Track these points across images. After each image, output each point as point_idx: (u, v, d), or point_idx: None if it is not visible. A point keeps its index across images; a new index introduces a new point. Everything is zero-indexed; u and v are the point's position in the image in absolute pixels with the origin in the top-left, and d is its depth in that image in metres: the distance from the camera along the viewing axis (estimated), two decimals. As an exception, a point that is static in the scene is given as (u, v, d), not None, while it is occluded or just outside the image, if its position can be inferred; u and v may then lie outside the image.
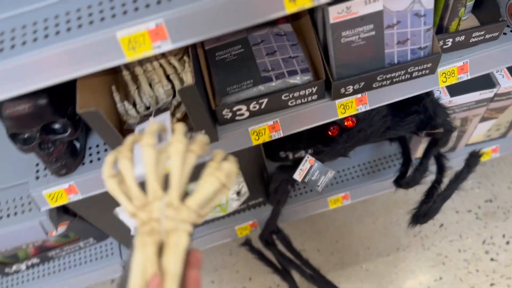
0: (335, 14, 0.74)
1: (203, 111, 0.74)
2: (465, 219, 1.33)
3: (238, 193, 1.12)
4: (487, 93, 0.97)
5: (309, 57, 0.88)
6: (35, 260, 1.19)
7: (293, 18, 0.93)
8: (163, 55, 0.84)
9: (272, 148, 1.09)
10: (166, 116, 0.74)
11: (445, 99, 0.97)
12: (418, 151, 1.15)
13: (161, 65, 0.84)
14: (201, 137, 0.50)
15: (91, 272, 1.19)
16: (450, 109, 1.00)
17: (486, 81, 0.98)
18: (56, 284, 1.19)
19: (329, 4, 0.73)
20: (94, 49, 0.58)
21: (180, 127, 0.50)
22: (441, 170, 1.06)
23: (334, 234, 1.36)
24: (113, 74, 0.88)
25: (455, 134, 1.11)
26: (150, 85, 0.84)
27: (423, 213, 1.01)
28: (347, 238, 1.35)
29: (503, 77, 0.97)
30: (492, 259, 1.26)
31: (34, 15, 0.61)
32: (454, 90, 0.98)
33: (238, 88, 0.82)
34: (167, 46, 0.59)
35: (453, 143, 1.16)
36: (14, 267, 1.19)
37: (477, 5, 0.88)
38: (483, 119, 1.09)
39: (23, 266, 1.20)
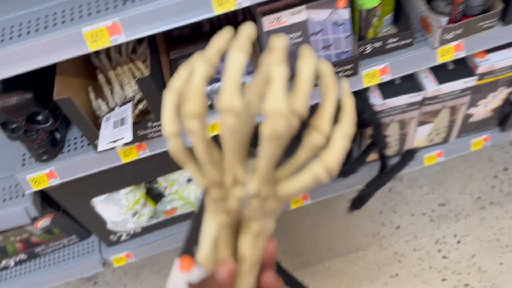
0: (268, 23, 0.91)
1: (159, 101, 0.90)
2: (420, 221, 1.44)
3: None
4: (416, 97, 1.12)
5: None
6: (22, 256, 1.32)
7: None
8: (132, 60, 1.01)
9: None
10: (128, 106, 0.90)
11: (379, 101, 1.12)
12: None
13: (130, 69, 1.00)
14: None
15: (73, 267, 1.30)
16: (385, 112, 1.15)
17: (414, 85, 1.13)
18: (42, 279, 1.30)
19: (263, 14, 0.90)
20: (65, 41, 0.74)
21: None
22: (382, 169, 1.19)
23: (300, 237, 1.47)
24: (91, 79, 1.05)
25: (396, 137, 1.25)
26: (122, 86, 1.00)
27: (359, 199, 1.13)
28: (311, 240, 1.46)
29: (429, 82, 1.12)
30: (444, 257, 1.36)
31: (18, 18, 0.79)
32: (388, 94, 1.13)
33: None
34: (122, 39, 0.76)
35: (397, 146, 1.29)
36: (4, 263, 1.31)
37: (398, 19, 1.05)
38: (421, 123, 1.23)
39: (11, 262, 1.32)
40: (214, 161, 0.37)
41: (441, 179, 1.50)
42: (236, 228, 0.39)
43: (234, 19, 1.10)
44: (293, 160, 0.38)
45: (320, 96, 0.37)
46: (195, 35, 1.10)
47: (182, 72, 0.37)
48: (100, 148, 0.86)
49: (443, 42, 0.97)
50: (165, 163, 1.09)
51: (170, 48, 1.08)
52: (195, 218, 0.45)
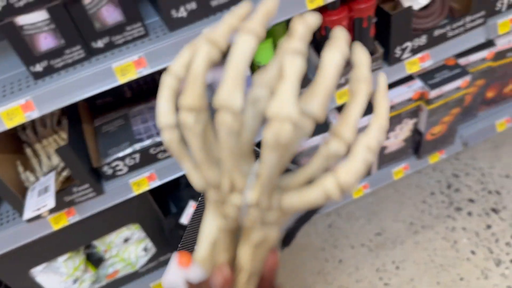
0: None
1: (81, 167, 0.96)
2: (360, 253, 1.50)
3: (145, 249, 1.29)
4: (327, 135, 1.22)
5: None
6: None
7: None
8: (56, 132, 1.08)
9: (165, 203, 1.29)
10: (51, 174, 0.95)
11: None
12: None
13: (55, 140, 1.07)
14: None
15: None
16: (305, 153, 1.24)
17: (325, 126, 1.24)
18: None
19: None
20: (-20, 122, 0.81)
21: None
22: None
23: (249, 283, 1.50)
24: (20, 153, 1.10)
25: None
26: (49, 157, 1.06)
27: (287, 236, 1.19)
28: (260, 285, 1.49)
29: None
30: (385, 284, 1.42)
31: None
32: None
33: (117, 150, 1.05)
34: (35, 115, 0.83)
35: (325, 183, 1.38)
36: None
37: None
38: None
39: None
40: (212, 160, 0.32)
41: (375, 210, 1.59)
42: (237, 232, 0.35)
43: (153, 82, 1.20)
44: (305, 168, 0.33)
45: (349, 93, 0.31)
46: (118, 102, 1.18)
47: (184, 53, 0.32)
48: (25, 217, 0.90)
49: (338, 86, 1.09)
50: (97, 226, 1.13)
51: (95, 116, 1.16)
52: (195, 213, 0.40)
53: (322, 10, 1.00)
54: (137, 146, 1.04)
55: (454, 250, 1.45)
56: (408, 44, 1.09)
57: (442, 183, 1.60)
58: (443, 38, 1.12)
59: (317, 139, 1.22)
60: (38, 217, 0.97)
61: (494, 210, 1.52)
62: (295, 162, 0.34)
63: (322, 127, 1.22)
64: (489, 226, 1.48)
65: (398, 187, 1.62)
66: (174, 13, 0.82)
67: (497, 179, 1.58)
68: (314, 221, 1.59)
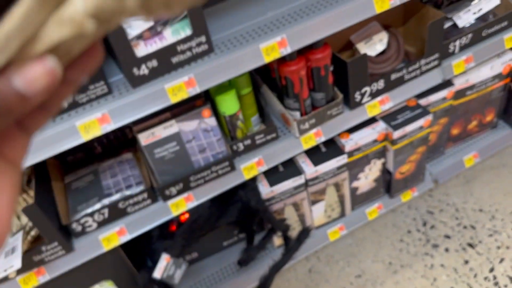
0: (145, 139, 1.03)
1: (48, 226, 0.96)
2: (341, 296, 1.49)
3: (121, 305, 1.26)
4: (298, 180, 1.25)
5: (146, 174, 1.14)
6: None
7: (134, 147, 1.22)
8: (26, 191, 1.08)
9: (138, 256, 1.28)
10: (18, 235, 0.95)
11: (267, 189, 1.23)
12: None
13: (24, 200, 1.07)
14: None
15: None
16: (277, 197, 1.26)
17: (295, 170, 1.26)
18: None
19: (139, 131, 1.02)
20: None
21: None
22: (286, 251, 1.27)
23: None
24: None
25: (296, 218, 1.35)
26: (18, 217, 1.06)
27: (262, 285, 1.19)
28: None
29: (307, 165, 1.26)
30: (368, 327, 1.40)
31: None
32: (274, 181, 1.25)
33: (86, 206, 1.05)
34: None
35: (300, 227, 1.39)
36: None
37: (266, 117, 1.20)
38: (313, 202, 1.34)
39: None
40: None
41: (354, 252, 1.59)
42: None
43: (123, 136, 1.22)
44: None
45: None
46: (89, 157, 1.20)
47: None
48: None
49: (302, 131, 1.12)
50: (68, 285, 1.11)
51: (66, 173, 1.17)
52: None
53: (281, 61, 1.05)
54: (106, 201, 1.05)
55: (434, 288, 1.45)
56: (367, 89, 1.14)
57: (417, 220, 1.62)
58: (400, 81, 1.18)
59: (288, 183, 1.24)
60: (5, 278, 0.96)
61: (471, 245, 1.53)
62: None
63: (293, 172, 1.24)
64: (466, 261, 1.49)
65: (375, 227, 1.63)
66: (136, 71, 0.86)
67: (471, 214, 1.60)
68: (294, 267, 1.58)
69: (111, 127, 0.87)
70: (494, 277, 1.44)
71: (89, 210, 1.04)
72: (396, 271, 1.51)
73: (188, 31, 0.87)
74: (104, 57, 0.98)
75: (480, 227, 1.56)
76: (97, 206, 1.04)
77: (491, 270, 1.46)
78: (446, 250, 1.53)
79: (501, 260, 1.47)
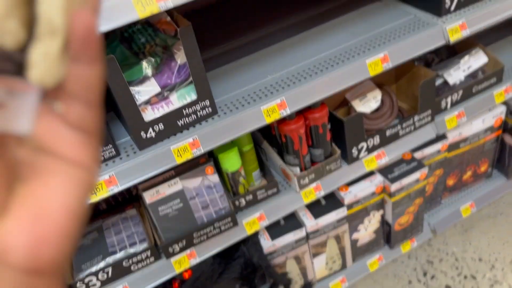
0: (149, 197, 1.05)
1: None
2: None
3: None
4: (299, 233, 1.26)
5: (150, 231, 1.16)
6: None
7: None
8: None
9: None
10: None
11: (269, 243, 1.25)
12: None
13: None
14: None
15: None
16: (278, 251, 1.27)
17: (296, 224, 1.28)
18: None
19: (144, 190, 1.05)
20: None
21: None
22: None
23: None
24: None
25: (297, 271, 1.35)
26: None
27: None
28: None
29: (308, 218, 1.28)
30: None
31: None
32: (275, 234, 1.26)
33: (90, 264, 1.06)
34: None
35: (302, 280, 1.39)
36: None
37: (267, 172, 1.24)
38: (314, 255, 1.35)
39: None
40: None
41: (356, 303, 1.58)
42: None
43: (128, 192, 1.25)
44: None
45: None
46: (94, 214, 1.22)
47: None
48: None
49: (302, 186, 1.16)
50: None
51: (71, 230, 1.18)
52: None
53: (281, 120, 1.09)
54: (110, 259, 1.06)
55: None
56: (363, 144, 1.18)
57: (418, 270, 1.62)
58: (395, 137, 1.22)
59: (289, 236, 1.26)
60: None
61: (473, 296, 1.53)
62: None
63: (294, 225, 1.26)
64: (469, 313, 1.48)
65: (376, 277, 1.63)
66: (143, 135, 0.90)
67: (470, 264, 1.61)
68: (296, 320, 1.57)
69: (118, 188, 0.90)
70: (498, 329, 1.43)
71: (93, 269, 1.05)
72: (399, 324, 1.50)
73: (193, 96, 0.91)
74: (113, 120, 1.02)
75: (481, 277, 1.57)
76: (101, 264, 1.05)
77: (495, 321, 1.45)
78: (448, 301, 1.52)
79: (504, 311, 1.47)
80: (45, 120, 0.24)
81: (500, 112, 1.42)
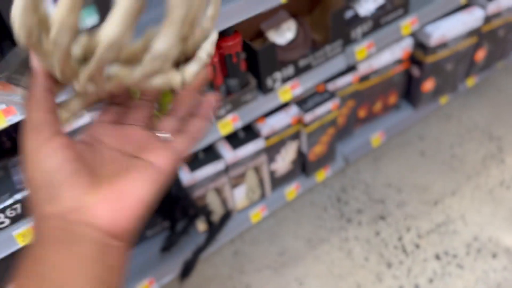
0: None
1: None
2: (265, 275, 1.56)
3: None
4: (219, 165, 1.28)
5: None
6: None
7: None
8: None
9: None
10: None
11: (189, 176, 1.26)
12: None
13: None
14: None
15: None
16: (199, 183, 1.29)
17: (215, 156, 1.29)
18: None
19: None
20: None
21: None
22: (209, 235, 1.31)
23: (159, 323, 1.48)
24: None
25: (218, 202, 1.39)
26: None
27: (186, 268, 1.22)
28: (171, 323, 1.48)
29: (227, 150, 1.30)
30: (291, 301, 1.48)
31: None
32: (194, 167, 1.28)
33: (-4, 202, 1.01)
34: None
35: (223, 210, 1.43)
36: None
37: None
38: (234, 186, 1.39)
39: None
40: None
41: (276, 231, 1.67)
42: None
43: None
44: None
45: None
46: (-3, 154, 1.15)
47: None
48: None
49: (219, 117, 1.16)
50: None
51: (-28, 170, 1.11)
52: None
53: (193, 48, 1.07)
54: (18, 196, 1.02)
55: (350, 259, 1.57)
56: (278, 75, 1.20)
57: (332, 198, 1.73)
58: (308, 67, 1.25)
59: (209, 168, 1.27)
60: None
61: (381, 217, 1.67)
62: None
63: (213, 157, 1.28)
64: (378, 233, 1.62)
65: (294, 206, 1.72)
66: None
67: (380, 189, 1.74)
68: (220, 251, 1.62)
69: (17, 118, 0.85)
70: (403, 245, 1.58)
71: (1, 206, 1.00)
72: (315, 247, 1.61)
73: (95, 18, 0.86)
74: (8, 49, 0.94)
75: (389, 200, 1.71)
76: (9, 201, 1.01)
77: (400, 238, 1.60)
78: (359, 223, 1.65)
79: (408, 229, 1.62)
80: (153, 140, 0.38)
81: (407, 44, 1.50)
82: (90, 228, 0.33)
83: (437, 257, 1.53)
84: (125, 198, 0.34)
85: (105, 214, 0.33)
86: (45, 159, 0.33)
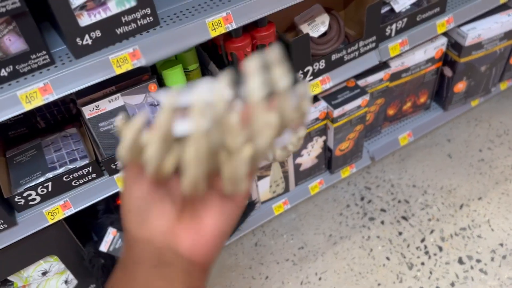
0: (89, 112, 1.03)
1: (-11, 197, 0.94)
2: (284, 267, 1.56)
3: (66, 282, 1.26)
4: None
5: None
6: None
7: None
8: (-37, 165, 1.05)
9: (83, 231, 1.28)
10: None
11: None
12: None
13: (-38, 173, 1.04)
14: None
15: None
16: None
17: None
18: None
19: (83, 104, 1.02)
20: None
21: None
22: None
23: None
24: None
25: (241, 193, 1.39)
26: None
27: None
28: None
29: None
30: (309, 296, 1.48)
31: None
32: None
33: (29, 179, 1.04)
34: None
35: (247, 201, 1.43)
36: None
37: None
38: (259, 178, 1.39)
39: None
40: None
41: (297, 225, 1.67)
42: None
43: (67, 111, 1.21)
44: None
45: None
46: (32, 133, 1.18)
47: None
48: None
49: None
50: (11, 260, 1.10)
51: (8, 148, 1.14)
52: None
53: (226, 37, 1.07)
54: (50, 174, 1.04)
55: (371, 258, 1.55)
56: (309, 68, 1.19)
57: (356, 195, 1.71)
58: (340, 62, 1.24)
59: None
60: None
61: (404, 218, 1.64)
62: None
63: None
64: (400, 233, 1.60)
65: (317, 201, 1.71)
66: (79, 41, 0.86)
67: (405, 189, 1.72)
68: (241, 241, 1.63)
69: (53, 97, 0.87)
70: (425, 247, 1.56)
71: (32, 184, 1.03)
72: (335, 243, 1.60)
73: (132, 2, 0.87)
74: (47, 28, 0.96)
75: (413, 201, 1.68)
76: (41, 179, 1.03)
77: (422, 240, 1.58)
78: (382, 222, 1.64)
79: (432, 231, 1.60)
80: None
81: (441, 43, 1.47)
82: (175, 254, 0.38)
83: (460, 261, 1.50)
84: (204, 229, 0.38)
85: (187, 242, 0.38)
86: (134, 186, 0.38)
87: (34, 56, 0.84)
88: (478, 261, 1.49)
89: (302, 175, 1.50)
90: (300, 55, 1.15)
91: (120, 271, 0.39)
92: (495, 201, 1.65)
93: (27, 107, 0.85)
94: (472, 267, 1.48)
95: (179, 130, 0.35)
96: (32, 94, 0.83)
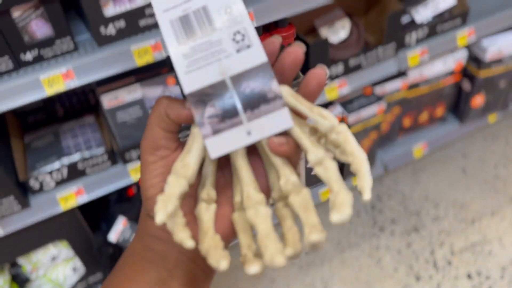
0: (108, 101, 1.04)
1: (5, 179, 0.96)
2: (291, 271, 1.55)
3: (74, 269, 1.28)
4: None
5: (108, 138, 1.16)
6: None
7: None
8: (-17, 146, 1.08)
9: (94, 219, 1.29)
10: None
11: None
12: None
13: (-19, 154, 1.06)
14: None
15: None
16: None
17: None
18: None
19: (102, 93, 1.04)
20: None
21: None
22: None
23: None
24: None
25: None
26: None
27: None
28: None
29: (267, 142, 1.31)
30: (314, 301, 1.47)
31: None
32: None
33: (45, 164, 1.06)
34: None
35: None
36: None
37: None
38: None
39: None
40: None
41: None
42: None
43: (86, 101, 1.23)
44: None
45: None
46: (50, 119, 1.20)
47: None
48: None
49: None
50: (22, 242, 1.11)
51: (26, 132, 1.17)
52: None
53: (247, 36, 1.09)
54: (65, 160, 1.06)
55: (378, 267, 1.54)
56: (327, 72, 1.19)
57: (366, 204, 1.70)
58: (358, 67, 1.24)
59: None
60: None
61: (415, 229, 1.63)
62: None
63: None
64: (409, 245, 1.59)
65: (327, 207, 1.71)
66: (103, 30, 0.88)
67: (417, 201, 1.71)
68: (248, 242, 1.63)
69: (75, 83, 0.89)
70: (434, 260, 1.54)
71: (48, 168, 1.04)
72: (343, 250, 1.59)
73: (157, -4, 0.89)
74: (72, 16, 0.99)
75: (425, 213, 1.67)
76: (56, 165, 1.05)
77: (432, 253, 1.56)
78: (392, 233, 1.62)
79: (441, 245, 1.58)
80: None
81: (461, 56, 1.46)
82: (180, 252, 0.39)
83: (469, 276, 1.48)
84: (221, 217, 0.39)
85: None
86: (152, 173, 0.38)
87: (59, 41, 0.86)
88: (487, 277, 1.47)
89: (313, 180, 1.49)
90: (318, 60, 1.16)
91: (125, 257, 0.42)
92: (508, 218, 1.62)
93: (49, 91, 0.87)
94: (481, 283, 1.46)
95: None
96: (55, 79, 0.85)
